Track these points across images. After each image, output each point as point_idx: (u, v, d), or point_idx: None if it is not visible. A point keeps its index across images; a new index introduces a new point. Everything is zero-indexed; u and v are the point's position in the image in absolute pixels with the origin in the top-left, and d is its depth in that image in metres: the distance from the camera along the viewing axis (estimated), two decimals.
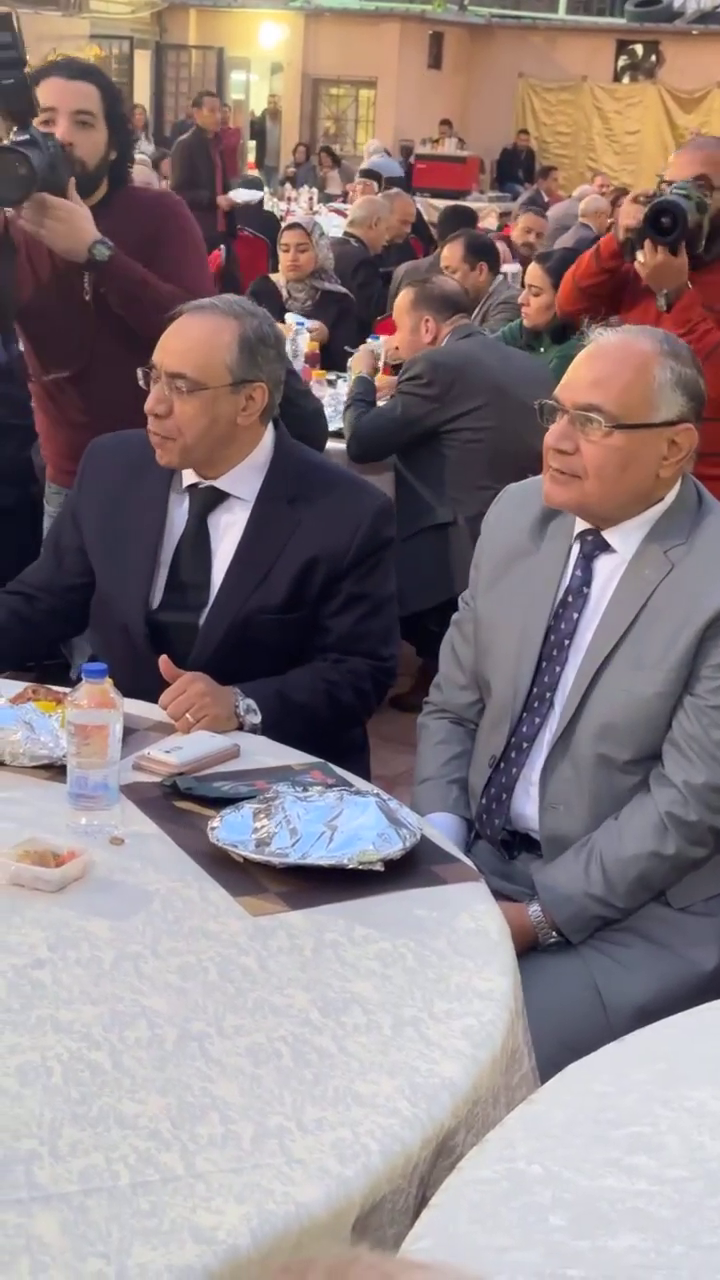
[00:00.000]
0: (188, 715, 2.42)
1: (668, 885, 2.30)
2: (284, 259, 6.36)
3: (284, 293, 6.35)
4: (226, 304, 2.64)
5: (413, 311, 4.67)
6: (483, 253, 6.23)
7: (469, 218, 8.67)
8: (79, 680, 2.10)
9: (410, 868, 2.00)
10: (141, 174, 9.13)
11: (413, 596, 4.19)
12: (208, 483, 2.65)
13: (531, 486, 2.49)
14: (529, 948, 2.25)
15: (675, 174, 4.06)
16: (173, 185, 10.22)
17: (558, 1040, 2.00)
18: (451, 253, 6.11)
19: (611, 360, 2.26)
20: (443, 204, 10.88)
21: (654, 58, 23.25)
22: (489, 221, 11.77)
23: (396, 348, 4.87)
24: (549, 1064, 1.68)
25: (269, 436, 2.67)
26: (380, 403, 4.82)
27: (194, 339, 2.56)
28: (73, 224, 3.10)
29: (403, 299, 4.75)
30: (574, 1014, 2.17)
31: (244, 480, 2.64)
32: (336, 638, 2.65)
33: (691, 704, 2.26)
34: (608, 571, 2.35)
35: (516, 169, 21.29)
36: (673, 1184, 1.42)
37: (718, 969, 2.27)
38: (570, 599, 2.37)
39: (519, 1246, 1.32)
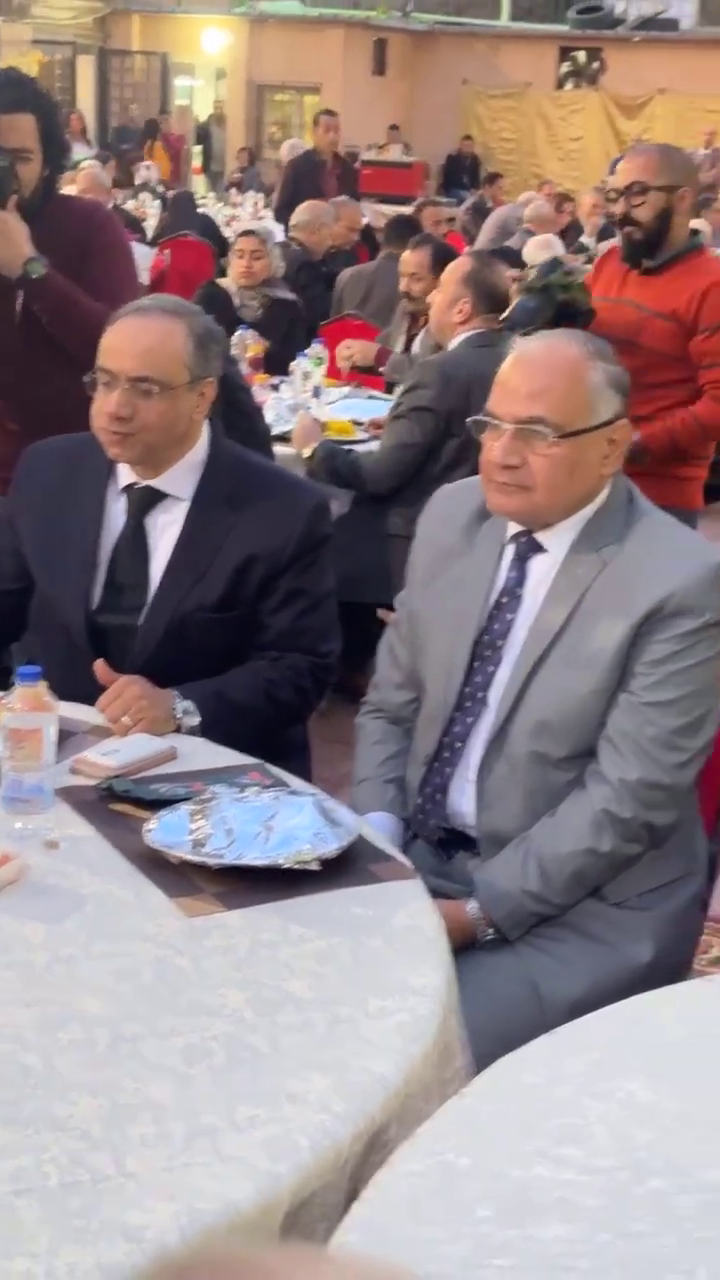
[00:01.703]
0: (125, 718, 2.42)
1: (604, 881, 2.32)
2: (238, 265, 6.32)
3: (235, 299, 6.33)
4: (168, 303, 2.67)
5: (461, 285, 4.50)
6: (448, 261, 6.22)
7: (415, 228, 8.68)
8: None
9: (346, 867, 2.01)
10: (89, 177, 9.12)
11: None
12: (145, 483, 2.65)
13: (464, 487, 2.51)
14: (467, 945, 2.26)
15: (618, 182, 4.13)
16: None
17: (494, 1036, 2.00)
18: (417, 260, 6.02)
19: (544, 369, 2.28)
20: (391, 210, 10.90)
21: (597, 65, 23.40)
22: (436, 228, 11.80)
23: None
24: (486, 1059, 1.69)
25: (205, 434, 2.69)
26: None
27: (151, 341, 2.56)
28: (11, 239, 3.11)
29: (458, 268, 4.58)
30: (510, 1009, 2.18)
31: (181, 479, 2.65)
32: (275, 635, 2.66)
33: (626, 701, 2.28)
34: (541, 572, 2.36)
35: (462, 175, 21.37)
36: (600, 1174, 1.43)
37: (653, 963, 2.29)
38: (504, 599, 2.38)
39: (447, 1239, 1.33)
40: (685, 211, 4.17)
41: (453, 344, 4.50)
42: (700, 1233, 1.36)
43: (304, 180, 10.20)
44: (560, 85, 23.65)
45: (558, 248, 7.75)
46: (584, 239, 11.25)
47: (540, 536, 2.36)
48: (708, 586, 2.26)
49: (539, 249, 7.61)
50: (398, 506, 4.38)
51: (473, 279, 4.49)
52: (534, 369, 2.28)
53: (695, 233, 4.30)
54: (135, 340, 2.56)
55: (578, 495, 2.30)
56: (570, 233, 12.01)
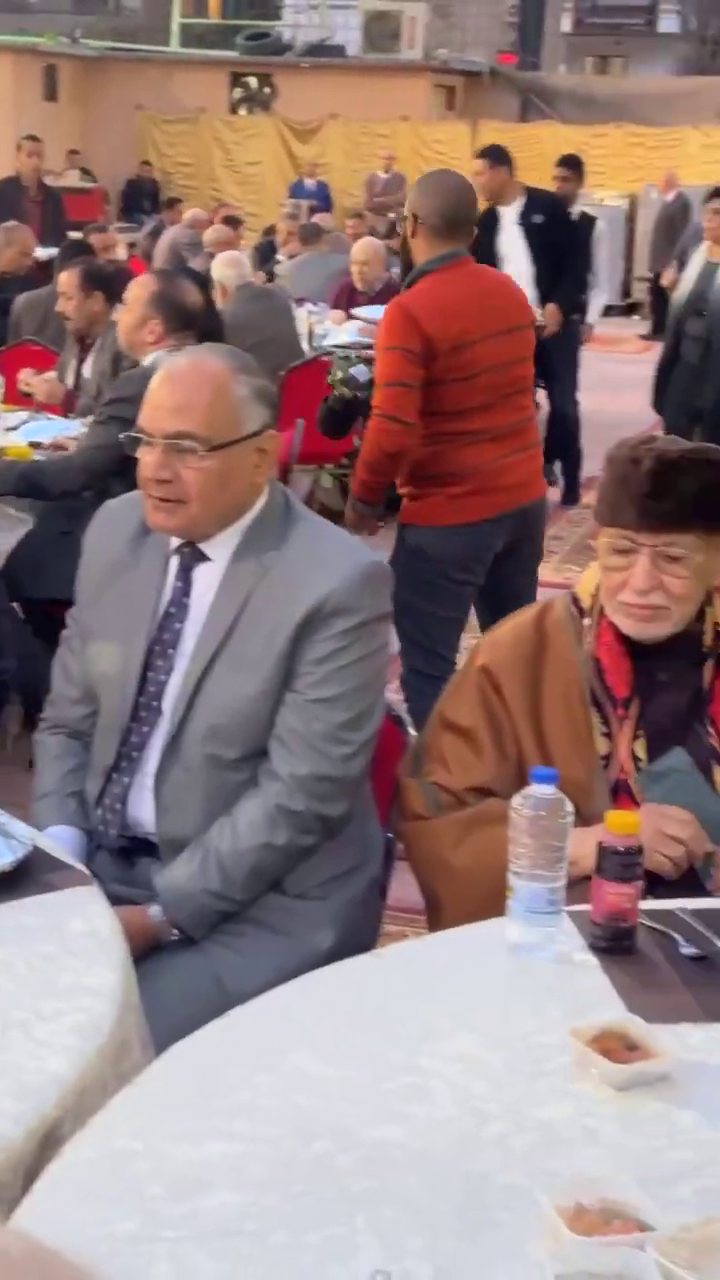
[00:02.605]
0: None
1: (282, 874, 2.39)
2: None
3: None
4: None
5: (147, 307, 4.42)
6: (100, 281, 6.24)
7: (87, 251, 8.68)
8: None
9: (21, 879, 2.03)
10: None
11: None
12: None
13: (128, 502, 2.55)
14: (152, 948, 2.31)
15: None
16: None
17: (182, 1032, 2.05)
18: (67, 279, 6.05)
19: (189, 385, 2.34)
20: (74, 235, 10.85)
21: (268, 90, 23.70)
22: (119, 251, 11.79)
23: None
24: None
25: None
26: None
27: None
28: None
29: (144, 288, 4.49)
30: (196, 1005, 2.21)
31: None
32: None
33: (292, 700, 2.36)
34: (206, 580, 2.43)
35: (142, 199, 21.35)
36: (267, 1142, 1.50)
37: (334, 949, 2.37)
38: (173, 610, 2.44)
39: (119, 1218, 1.38)
40: (419, 236, 4.16)
41: (148, 360, 4.51)
42: (358, 1185, 1.44)
43: (3, 206, 10.04)
44: (234, 110, 23.87)
45: (245, 266, 7.88)
46: (279, 256, 11.44)
47: (203, 546, 2.42)
48: (361, 586, 2.37)
49: (227, 266, 7.74)
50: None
51: (159, 300, 4.48)
52: (179, 385, 2.34)
53: (444, 257, 4.16)
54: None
55: (232, 505, 2.38)
56: (261, 251, 12.28)
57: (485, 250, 8.00)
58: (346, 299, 9.32)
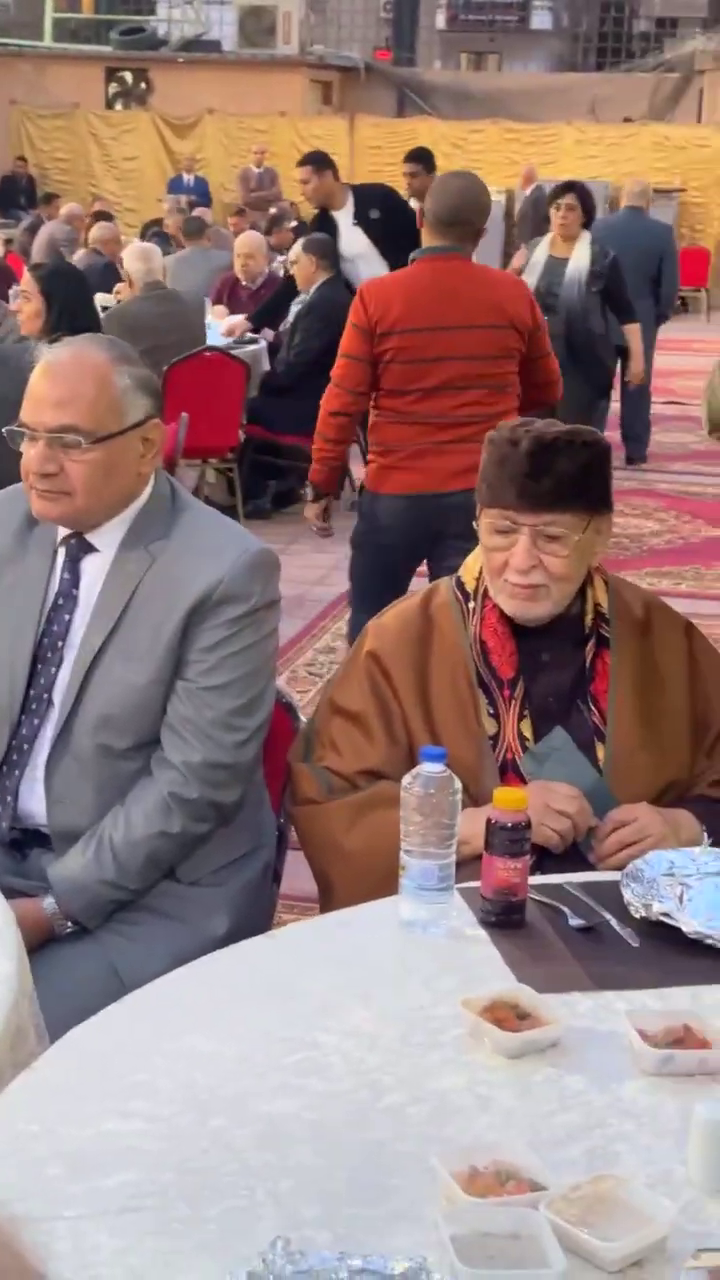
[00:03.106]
0: None
1: (177, 862, 2.40)
2: None
3: None
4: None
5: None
6: None
7: None
8: None
9: None
10: None
11: None
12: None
13: (13, 494, 2.54)
14: (47, 939, 2.31)
15: None
16: None
17: (78, 1021, 2.05)
18: None
19: (71, 377, 2.34)
20: None
21: (144, 85, 23.57)
22: None
23: None
24: None
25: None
26: None
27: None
28: None
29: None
30: (93, 995, 2.20)
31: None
32: None
33: (183, 688, 2.37)
34: (94, 571, 2.43)
35: (19, 195, 21.13)
36: (164, 1120, 1.52)
37: (229, 934, 2.38)
38: (61, 601, 2.43)
39: (18, 1199, 1.38)
40: (424, 227, 4.57)
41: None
42: (257, 1159, 1.46)
43: None
44: (110, 105, 23.70)
45: (155, 260, 7.86)
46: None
47: (90, 537, 2.42)
48: (250, 574, 2.38)
49: (136, 259, 7.77)
50: None
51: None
52: (61, 378, 2.34)
53: (431, 249, 4.49)
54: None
55: (118, 496, 2.38)
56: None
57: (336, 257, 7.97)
58: (229, 293, 9.31)
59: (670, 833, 2.26)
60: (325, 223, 8.00)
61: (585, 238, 7.50)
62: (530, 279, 7.18)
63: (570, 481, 2.33)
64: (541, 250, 7.58)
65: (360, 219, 7.81)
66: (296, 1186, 1.42)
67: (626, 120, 22.17)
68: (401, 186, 8.57)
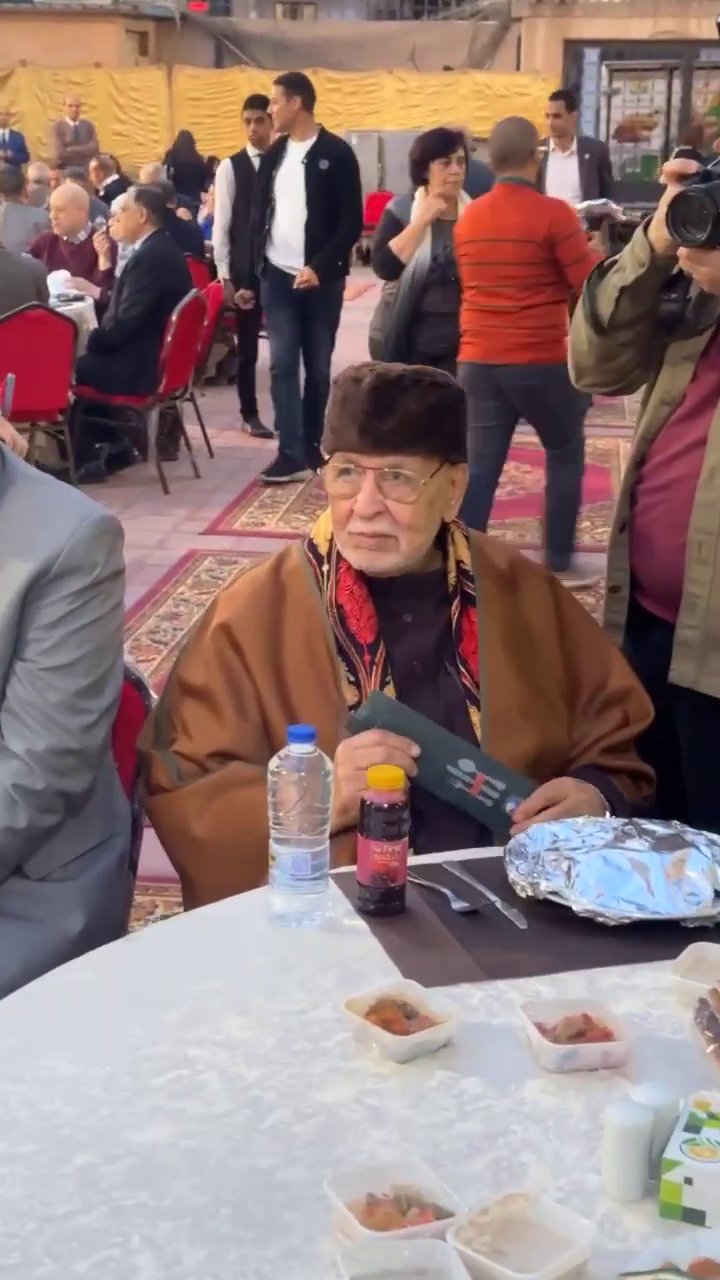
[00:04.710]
0: None
1: (24, 859, 2.24)
2: None
3: None
4: None
5: None
6: None
7: None
8: None
9: None
10: None
11: None
12: None
13: None
14: None
15: None
16: None
17: None
18: None
19: None
20: None
21: None
22: None
23: None
24: None
25: None
26: None
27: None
28: None
29: None
30: None
31: None
32: None
33: (23, 670, 2.20)
34: None
35: None
36: (23, 1160, 1.36)
37: (86, 931, 2.23)
38: None
39: None
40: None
41: None
42: (129, 1199, 1.31)
43: None
44: None
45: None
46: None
47: None
48: (92, 543, 2.21)
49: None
50: None
51: None
52: None
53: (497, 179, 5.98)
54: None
55: None
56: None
57: (265, 185, 7.82)
58: (50, 250, 9.00)
59: (603, 810, 2.15)
60: (278, 150, 7.88)
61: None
62: (421, 252, 6.77)
63: (416, 421, 2.22)
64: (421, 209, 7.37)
65: (309, 162, 7.74)
66: (176, 1229, 1.28)
67: (446, 69, 22.12)
68: (224, 136, 8.37)
